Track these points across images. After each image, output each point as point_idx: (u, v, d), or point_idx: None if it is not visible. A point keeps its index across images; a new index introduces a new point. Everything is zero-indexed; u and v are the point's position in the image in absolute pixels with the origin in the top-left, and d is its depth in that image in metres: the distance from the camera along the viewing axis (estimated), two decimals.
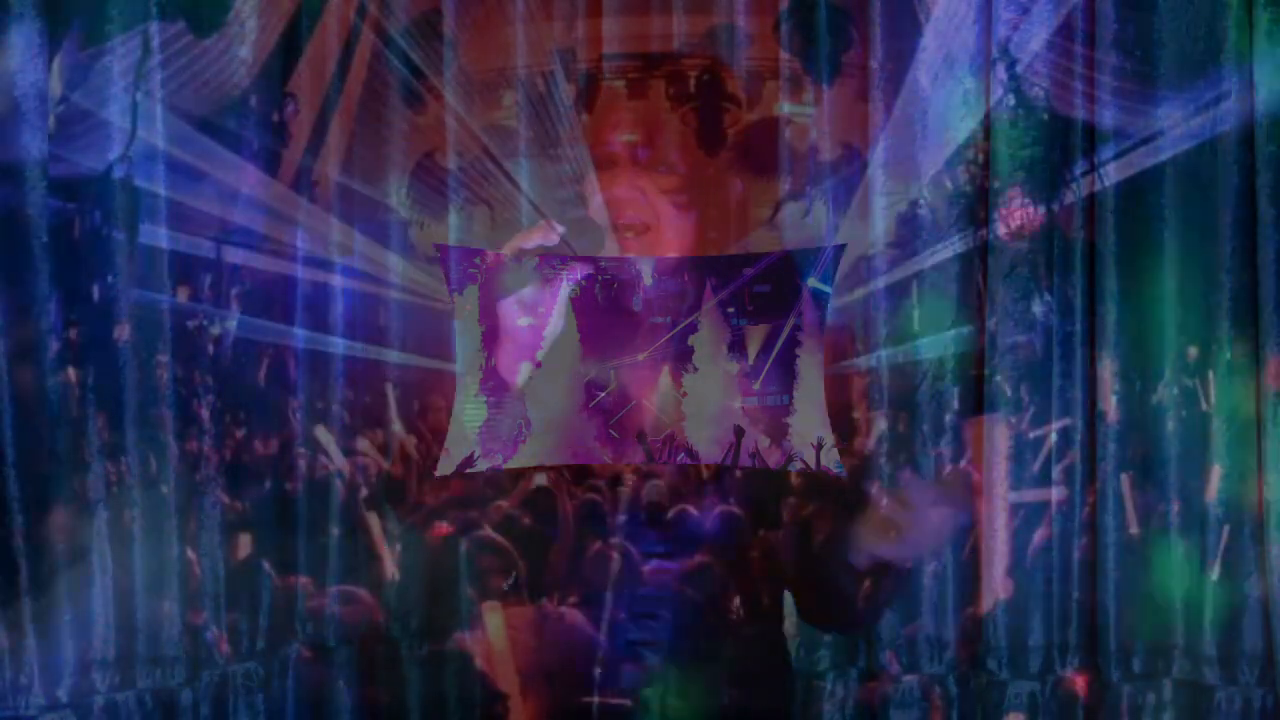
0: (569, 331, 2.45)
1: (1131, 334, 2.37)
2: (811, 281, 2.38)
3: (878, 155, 2.46)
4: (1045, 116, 2.38)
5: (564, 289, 2.43)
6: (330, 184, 2.60)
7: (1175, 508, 2.36)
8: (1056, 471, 2.40)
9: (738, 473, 2.42)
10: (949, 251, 2.45)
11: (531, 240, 2.45)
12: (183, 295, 2.44)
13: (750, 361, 2.43)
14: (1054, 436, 2.40)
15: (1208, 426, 2.34)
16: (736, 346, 2.44)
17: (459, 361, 2.42)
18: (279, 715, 2.56)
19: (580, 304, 2.44)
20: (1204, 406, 2.34)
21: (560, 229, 2.45)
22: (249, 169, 2.50)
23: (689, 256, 2.47)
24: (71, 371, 2.26)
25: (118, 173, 2.31)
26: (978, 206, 2.44)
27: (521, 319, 2.44)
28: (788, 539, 2.39)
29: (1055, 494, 2.39)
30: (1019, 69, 2.37)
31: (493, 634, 2.29)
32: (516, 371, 2.44)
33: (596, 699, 2.29)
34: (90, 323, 2.29)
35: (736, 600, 2.35)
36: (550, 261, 2.44)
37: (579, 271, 2.44)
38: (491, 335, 2.44)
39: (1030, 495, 2.40)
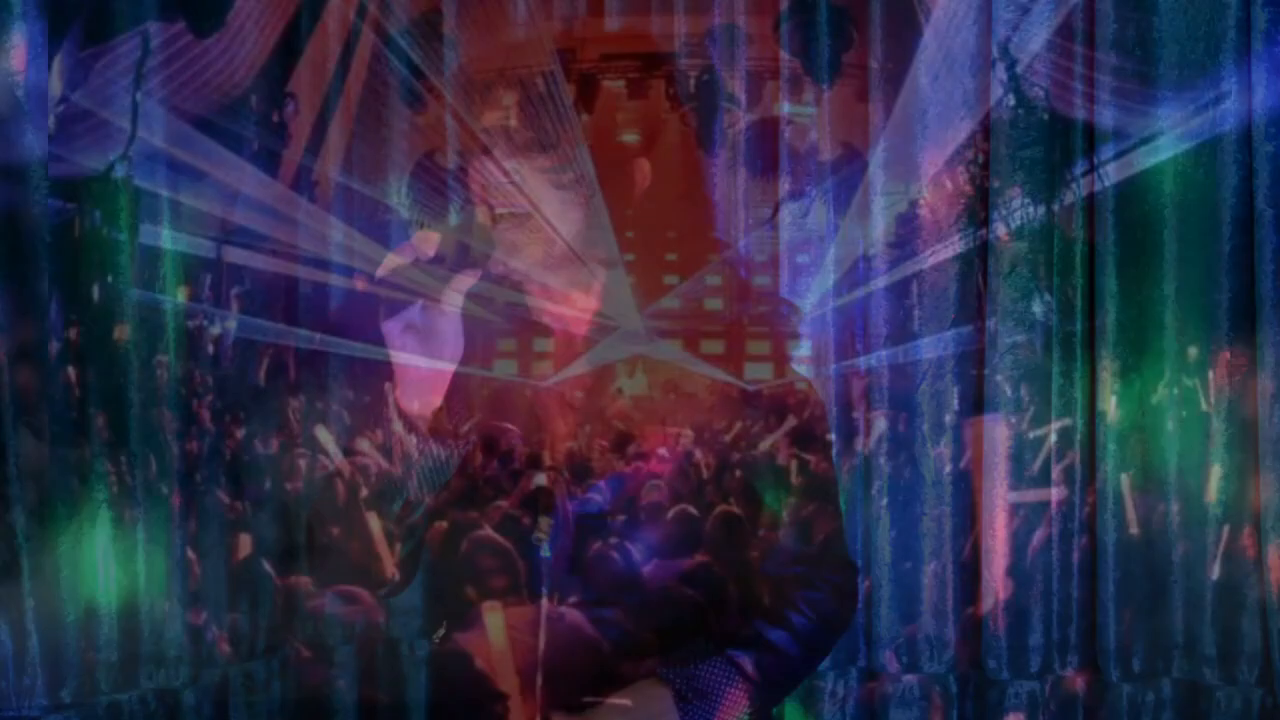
0: None
1: (1131, 334, 2.37)
2: None
3: (878, 155, 2.46)
4: (1045, 116, 2.38)
5: None
6: (330, 184, 2.60)
7: (1175, 508, 2.36)
8: (1056, 471, 2.40)
9: (738, 473, 2.41)
10: (949, 251, 2.45)
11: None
12: (183, 295, 2.44)
13: None
14: (1054, 436, 2.40)
15: (1208, 426, 2.33)
16: None
17: None
18: (279, 715, 2.56)
19: None
20: (1204, 406, 2.34)
21: None
22: (249, 169, 2.50)
23: None
24: (71, 371, 2.26)
25: (118, 173, 2.31)
26: (978, 206, 2.44)
27: None
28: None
29: (1055, 494, 2.39)
30: (1019, 69, 2.37)
31: (493, 634, 2.28)
32: None
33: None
34: (90, 323, 2.28)
35: None
36: None
37: None
38: None
39: (1030, 495, 2.40)
